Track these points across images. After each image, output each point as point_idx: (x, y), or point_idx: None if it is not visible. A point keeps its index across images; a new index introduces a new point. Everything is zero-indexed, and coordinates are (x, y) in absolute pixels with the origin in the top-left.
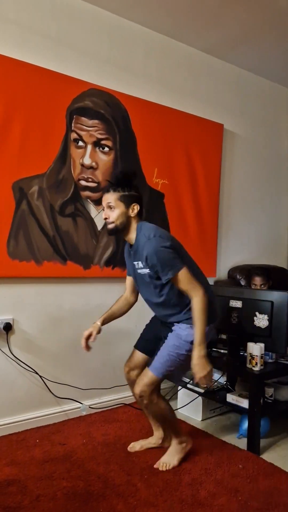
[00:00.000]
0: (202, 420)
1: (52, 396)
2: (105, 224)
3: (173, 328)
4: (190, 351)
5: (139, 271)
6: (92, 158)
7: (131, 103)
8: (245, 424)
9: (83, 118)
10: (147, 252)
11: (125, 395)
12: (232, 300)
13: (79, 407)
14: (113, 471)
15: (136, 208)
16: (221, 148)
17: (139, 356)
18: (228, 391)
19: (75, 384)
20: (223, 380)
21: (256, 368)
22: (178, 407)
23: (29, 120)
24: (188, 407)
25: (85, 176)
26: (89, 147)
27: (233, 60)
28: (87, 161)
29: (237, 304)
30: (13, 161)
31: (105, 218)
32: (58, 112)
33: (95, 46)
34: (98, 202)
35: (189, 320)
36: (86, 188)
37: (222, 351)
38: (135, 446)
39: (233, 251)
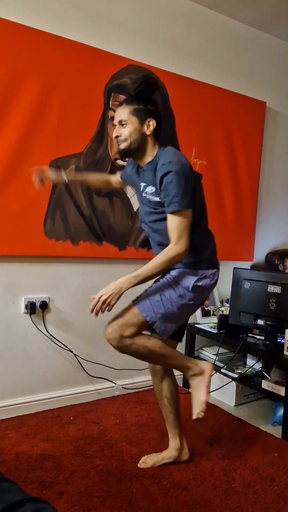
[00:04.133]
0: (235, 406)
1: (86, 375)
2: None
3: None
4: (184, 297)
5: (146, 196)
6: None
7: (169, 79)
8: (280, 411)
9: (121, 96)
10: (167, 170)
11: None
12: (271, 285)
13: (112, 387)
14: (146, 453)
15: (152, 124)
16: (263, 127)
17: None
18: (263, 377)
19: (109, 364)
20: (258, 366)
21: None
22: (210, 391)
23: (67, 98)
24: (221, 392)
25: None
26: None
27: (280, 34)
28: None
29: (276, 289)
30: (51, 139)
31: (116, 136)
32: (96, 90)
33: (134, 20)
34: None
35: (187, 264)
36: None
37: (258, 337)
38: (147, 462)
39: (272, 235)
